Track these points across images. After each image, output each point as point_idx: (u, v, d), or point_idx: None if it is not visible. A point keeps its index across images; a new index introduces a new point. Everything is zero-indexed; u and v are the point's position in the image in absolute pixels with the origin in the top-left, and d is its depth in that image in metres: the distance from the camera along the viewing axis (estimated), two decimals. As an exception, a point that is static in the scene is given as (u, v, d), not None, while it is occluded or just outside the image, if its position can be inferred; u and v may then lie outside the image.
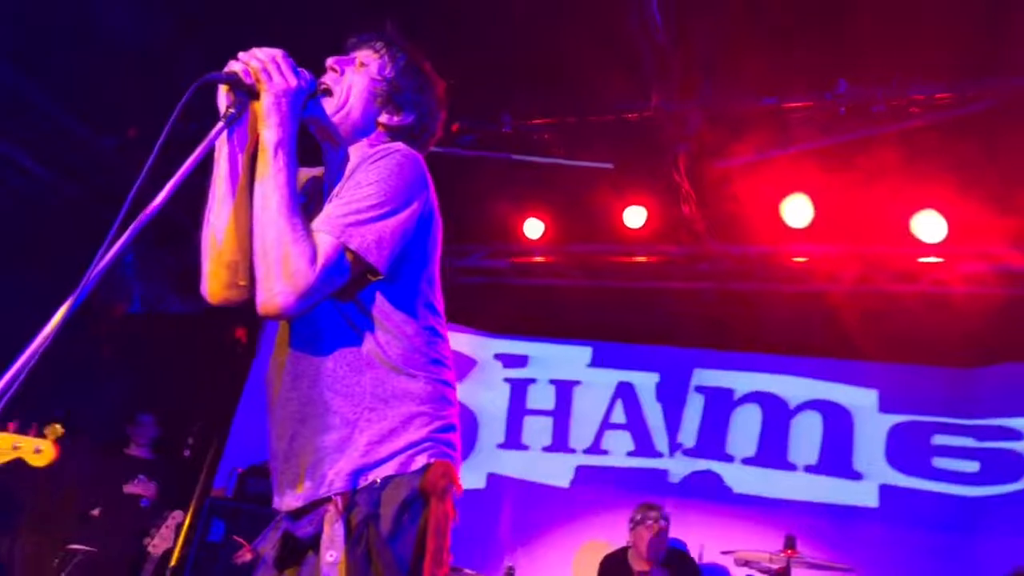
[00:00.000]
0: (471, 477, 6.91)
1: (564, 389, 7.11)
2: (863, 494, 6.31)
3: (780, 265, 6.22)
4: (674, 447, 6.75)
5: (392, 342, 1.86)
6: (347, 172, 1.98)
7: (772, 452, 6.58)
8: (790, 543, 4.85)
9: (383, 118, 2.05)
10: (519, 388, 7.20)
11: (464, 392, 7.11)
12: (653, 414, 6.86)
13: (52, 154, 5.42)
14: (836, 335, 6.27)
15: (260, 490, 5.69)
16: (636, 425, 6.87)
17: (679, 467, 6.67)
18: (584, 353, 7.15)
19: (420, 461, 1.81)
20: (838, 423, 6.53)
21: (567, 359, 7.17)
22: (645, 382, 6.94)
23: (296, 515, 1.85)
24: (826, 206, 5.45)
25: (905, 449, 6.34)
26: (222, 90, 1.87)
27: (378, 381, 1.84)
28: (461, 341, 7.18)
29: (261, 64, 1.82)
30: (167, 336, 6.05)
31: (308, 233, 1.77)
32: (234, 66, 1.82)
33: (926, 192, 5.24)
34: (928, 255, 5.78)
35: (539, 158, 5.24)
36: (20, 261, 4.95)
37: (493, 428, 7.12)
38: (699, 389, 6.87)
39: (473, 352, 7.27)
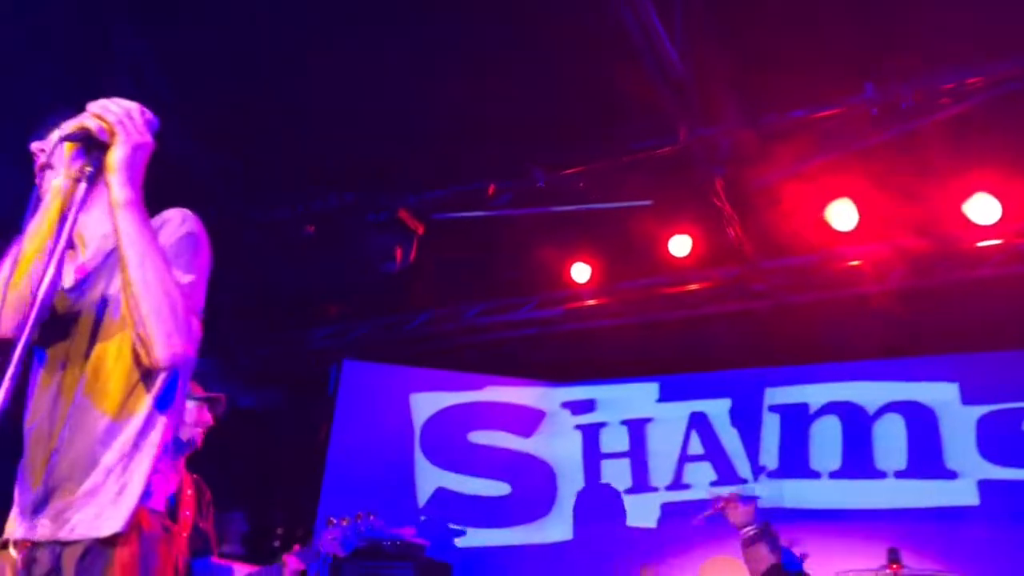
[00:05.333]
0: (557, 530, 6.85)
1: (636, 428, 7.03)
2: (961, 493, 6.09)
3: (832, 271, 6.10)
4: (757, 471, 6.62)
5: (158, 395, 1.88)
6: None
7: (858, 462, 6.40)
8: (894, 556, 4.70)
9: None
10: (591, 433, 7.14)
11: (537, 444, 7.08)
12: (731, 440, 6.74)
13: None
14: (903, 333, 6.14)
15: (359, 574, 5.69)
16: (715, 454, 6.76)
17: (766, 490, 6.51)
18: (651, 389, 7.08)
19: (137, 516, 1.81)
20: (922, 422, 6.34)
21: (635, 397, 7.10)
22: (717, 409, 6.83)
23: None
24: (869, 206, 5.37)
25: (997, 439, 6.12)
26: (66, 147, 1.77)
27: (141, 433, 1.85)
28: (526, 394, 7.18)
29: (116, 118, 1.76)
30: (242, 431, 6.15)
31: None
32: (87, 121, 1.76)
33: (972, 177, 5.14)
34: (985, 239, 5.64)
35: (577, 206, 5.27)
36: None
37: (571, 477, 7.06)
38: (773, 408, 6.74)
39: (539, 404, 7.25)
